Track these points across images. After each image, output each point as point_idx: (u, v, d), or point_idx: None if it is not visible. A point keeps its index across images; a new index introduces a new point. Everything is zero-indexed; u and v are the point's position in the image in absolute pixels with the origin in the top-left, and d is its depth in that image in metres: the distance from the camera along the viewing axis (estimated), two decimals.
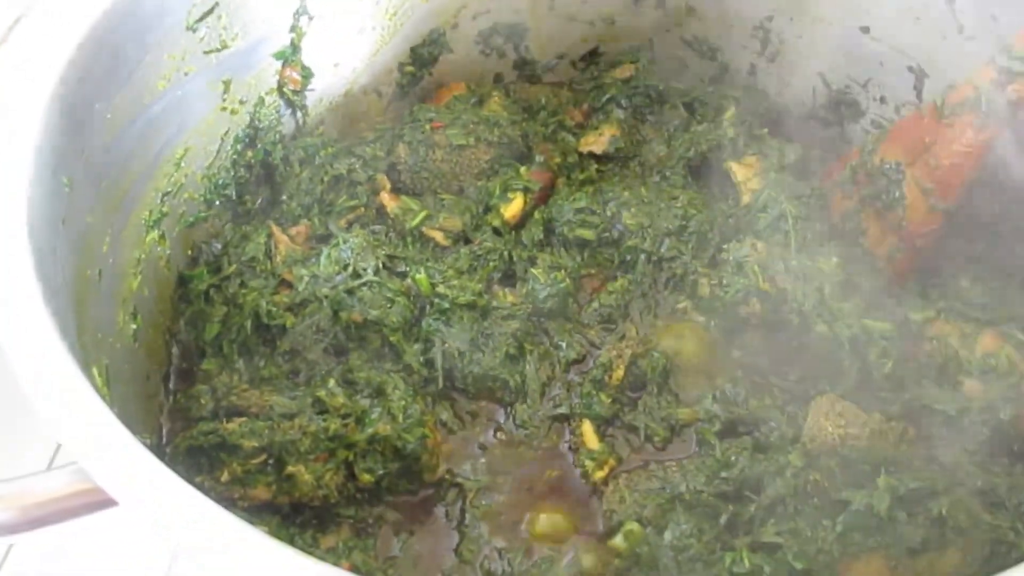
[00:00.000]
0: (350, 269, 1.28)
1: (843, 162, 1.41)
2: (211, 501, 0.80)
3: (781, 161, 1.45)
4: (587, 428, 1.23)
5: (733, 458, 1.14)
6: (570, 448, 1.24)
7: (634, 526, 1.12)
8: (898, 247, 1.31)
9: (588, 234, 1.37)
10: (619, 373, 1.24)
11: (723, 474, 1.13)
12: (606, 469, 1.20)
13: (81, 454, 0.80)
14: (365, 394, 1.21)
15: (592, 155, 1.49)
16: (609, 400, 1.24)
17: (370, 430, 1.16)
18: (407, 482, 1.19)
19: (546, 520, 1.17)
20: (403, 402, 1.19)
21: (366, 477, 1.16)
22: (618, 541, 1.12)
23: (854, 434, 1.12)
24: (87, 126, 1.10)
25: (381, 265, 1.29)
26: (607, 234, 1.38)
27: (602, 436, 1.23)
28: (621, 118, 1.53)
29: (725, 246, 1.31)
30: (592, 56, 1.63)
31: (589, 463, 1.20)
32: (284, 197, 1.41)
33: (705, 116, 1.54)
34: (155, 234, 1.26)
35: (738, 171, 1.44)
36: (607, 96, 1.56)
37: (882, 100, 1.47)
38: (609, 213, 1.38)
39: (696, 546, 1.08)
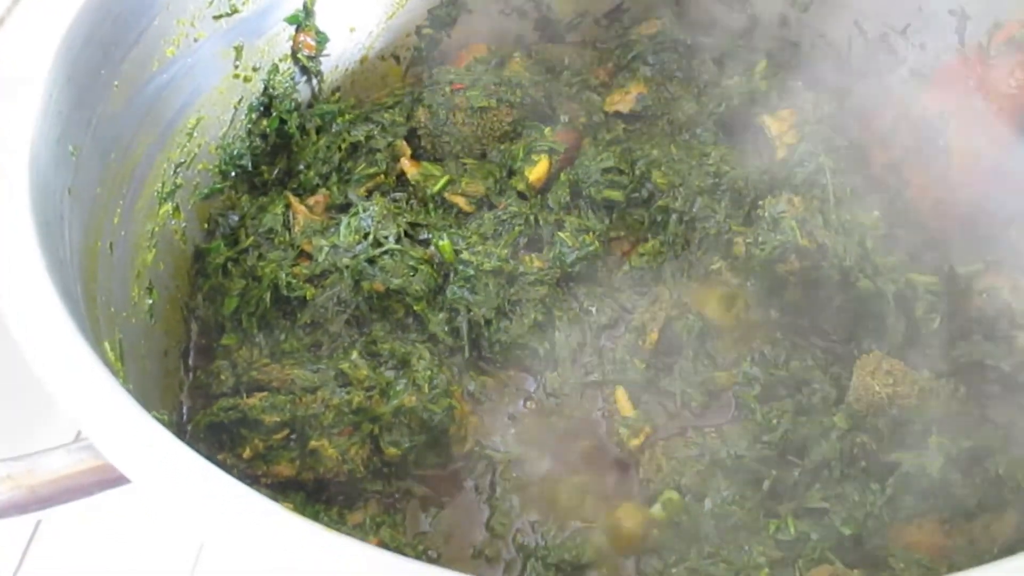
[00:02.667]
0: (371, 238, 1.23)
1: (883, 113, 1.35)
2: (227, 475, 0.75)
3: (816, 114, 1.39)
4: (621, 395, 1.18)
5: (775, 421, 1.09)
6: (603, 416, 1.19)
7: (673, 495, 1.07)
8: (943, 198, 1.25)
9: (617, 195, 1.31)
10: (653, 337, 1.19)
11: (765, 438, 1.08)
12: (641, 437, 1.15)
13: (90, 429, 0.76)
14: (389, 365, 1.17)
15: (619, 114, 1.43)
16: (643, 365, 1.19)
17: (395, 402, 1.12)
18: (435, 455, 1.15)
19: (579, 490, 1.13)
20: (428, 372, 1.14)
21: (392, 451, 1.12)
22: (656, 510, 1.07)
23: (903, 393, 1.06)
24: (93, 93, 1.06)
25: (403, 233, 1.25)
26: (636, 194, 1.32)
27: (636, 403, 1.18)
28: (648, 76, 1.48)
29: (760, 202, 1.25)
30: (616, 13, 1.57)
31: (623, 431, 1.15)
32: (301, 166, 1.36)
33: (735, 70, 1.47)
34: (169, 206, 1.22)
35: (772, 125, 1.38)
36: (633, 53, 1.50)
37: (922, 47, 1.39)
38: (638, 172, 1.32)
39: (739, 513, 1.03)
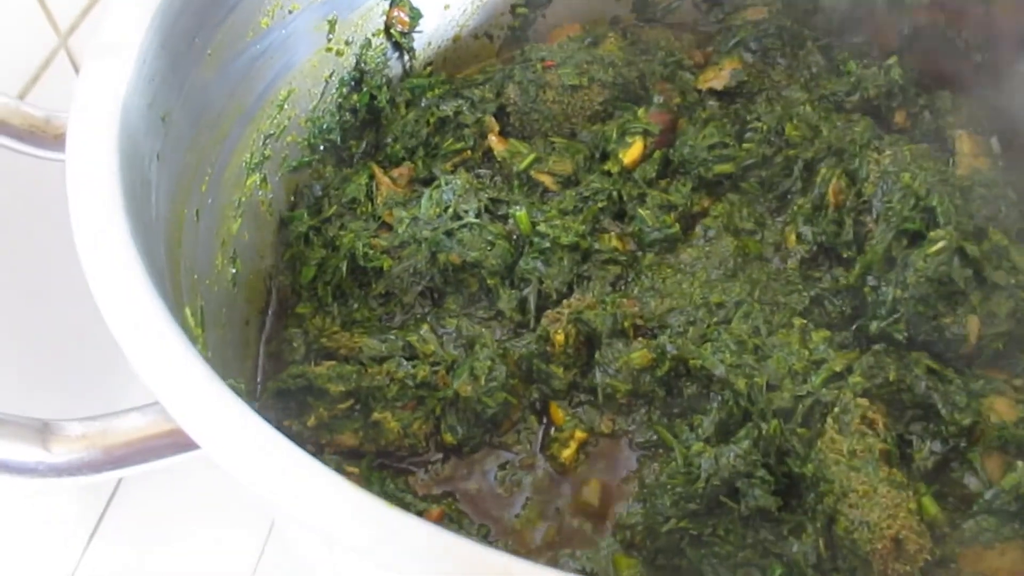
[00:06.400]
0: (451, 211, 1.22)
1: None
2: (294, 444, 0.75)
3: None
4: None
5: None
6: None
7: None
8: None
9: (728, 167, 1.29)
10: None
11: None
12: None
13: (162, 394, 0.76)
14: (457, 344, 1.16)
15: (712, 92, 1.38)
16: None
17: (455, 386, 1.10)
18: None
19: None
20: (489, 363, 1.12)
21: (448, 437, 1.11)
22: None
23: None
24: (186, 60, 1.07)
25: (483, 208, 1.24)
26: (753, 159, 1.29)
27: None
28: (749, 62, 1.43)
29: None
30: None
31: None
32: (388, 139, 1.36)
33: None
34: (256, 177, 1.23)
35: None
36: (735, 39, 1.45)
37: None
38: (766, 129, 1.30)
39: None
